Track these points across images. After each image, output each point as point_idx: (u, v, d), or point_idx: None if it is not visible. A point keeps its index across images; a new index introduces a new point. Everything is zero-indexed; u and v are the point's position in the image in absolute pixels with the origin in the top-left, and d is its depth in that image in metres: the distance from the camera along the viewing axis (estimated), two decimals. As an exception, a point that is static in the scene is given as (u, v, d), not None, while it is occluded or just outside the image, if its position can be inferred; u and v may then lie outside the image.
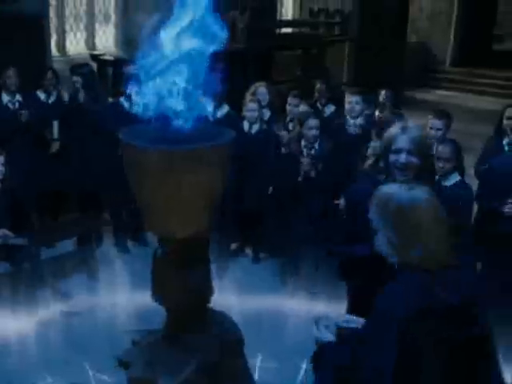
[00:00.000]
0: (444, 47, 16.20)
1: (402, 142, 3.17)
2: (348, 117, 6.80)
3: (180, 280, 3.07)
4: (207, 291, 3.20)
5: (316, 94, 7.59)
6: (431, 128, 5.71)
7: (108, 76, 9.16)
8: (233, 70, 3.41)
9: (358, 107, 6.66)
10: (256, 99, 6.74)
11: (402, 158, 3.15)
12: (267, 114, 7.06)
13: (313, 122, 5.99)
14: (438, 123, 5.69)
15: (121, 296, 5.67)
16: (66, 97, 6.90)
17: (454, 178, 4.86)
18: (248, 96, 6.75)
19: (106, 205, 7.28)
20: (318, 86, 7.65)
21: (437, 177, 4.49)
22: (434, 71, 16.10)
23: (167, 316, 3.23)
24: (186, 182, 2.81)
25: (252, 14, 10.29)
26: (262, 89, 7.06)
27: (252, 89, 6.96)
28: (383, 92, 7.39)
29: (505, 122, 5.86)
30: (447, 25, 16.08)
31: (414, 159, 3.16)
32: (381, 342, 2.51)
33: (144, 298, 5.60)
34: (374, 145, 5.99)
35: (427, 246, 2.51)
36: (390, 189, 2.65)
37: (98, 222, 7.12)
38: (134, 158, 2.88)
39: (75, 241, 6.83)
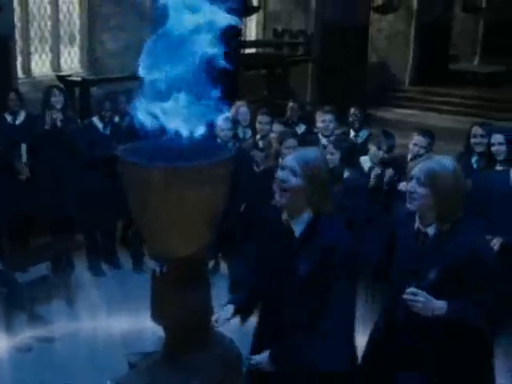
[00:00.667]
0: (403, 67, 16.49)
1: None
2: (320, 135, 6.85)
3: (181, 299, 3.03)
4: (208, 309, 3.17)
5: (288, 113, 7.60)
6: (415, 144, 5.82)
7: (75, 97, 9.09)
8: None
9: (331, 126, 6.72)
10: (230, 118, 6.72)
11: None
12: (248, 132, 7.05)
13: (291, 141, 6.01)
14: (423, 140, 5.81)
15: (100, 320, 5.59)
16: (47, 119, 6.72)
17: None
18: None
19: (79, 227, 7.16)
20: (290, 104, 7.67)
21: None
22: (394, 90, 16.36)
23: (166, 336, 3.18)
24: (190, 199, 2.78)
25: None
26: (243, 108, 7.06)
27: (233, 108, 6.94)
28: (352, 110, 7.44)
29: (472, 140, 5.97)
30: (405, 45, 16.38)
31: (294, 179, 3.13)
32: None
33: (123, 321, 5.61)
34: (331, 158, 6.05)
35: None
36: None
37: (71, 245, 6.99)
38: (136, 175, 2.84)
39: (48, 265, 6.71)
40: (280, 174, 3.08)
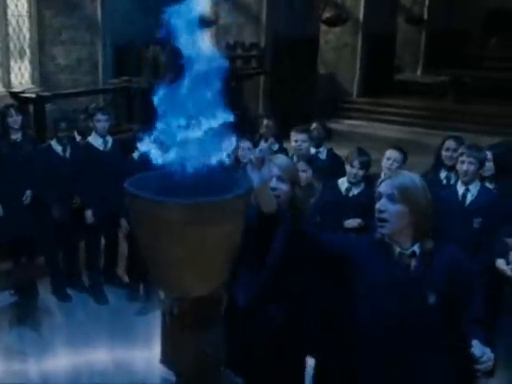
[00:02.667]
0: (350, 78, 16.65)
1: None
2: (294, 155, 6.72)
3: (195, 341, 2.88)
4: (220, 351, 3.03)
5: (263, 130, 7.43)
6: (388, 158, 5.76)
7: (29, 114, 8.75)
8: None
9: (304, 145, 6.56)
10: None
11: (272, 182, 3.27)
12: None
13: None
14: (397, 155, 5.76)
15: (75, 351, 5.36)
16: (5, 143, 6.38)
17: None
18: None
19: (40, 251, 6.88)
20: (265, 122, 7.49)
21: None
22: (343, 101, 16.49)
23: (177, 380, 3.01)
24: (210, 235, 2.63)
25: (172, 49, 10.17)
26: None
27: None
28: (314, 125, 7.28)
29: (444, 153, 5.93)
30: (352, 57, 16.54)
31: (283, 185, 3.32)
32: None
33: (99, 352, 5.38)
34: (304, 175, 5.97)
35: None
36: None
37: (33, 270, 6.71)
38: (150, 212, 2.66)
39: (11, 292, 6.43)
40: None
